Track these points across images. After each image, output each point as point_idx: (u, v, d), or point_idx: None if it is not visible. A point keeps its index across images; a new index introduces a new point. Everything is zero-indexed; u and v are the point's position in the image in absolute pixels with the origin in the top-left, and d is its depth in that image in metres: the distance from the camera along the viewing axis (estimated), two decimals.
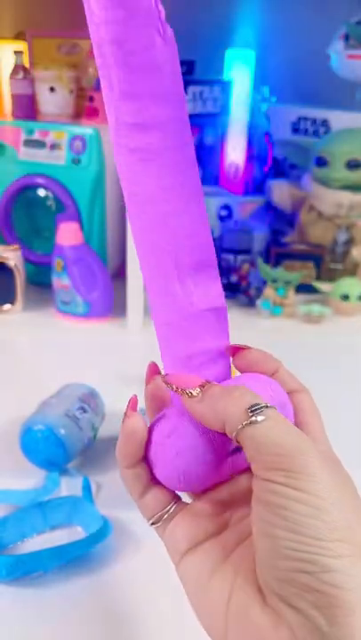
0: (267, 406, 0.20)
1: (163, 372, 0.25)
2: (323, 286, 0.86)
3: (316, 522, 0.18)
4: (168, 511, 0.24)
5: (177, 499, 0.25)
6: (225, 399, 0.21)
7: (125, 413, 0.24)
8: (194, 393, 0.22)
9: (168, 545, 0.24)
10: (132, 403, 0.24)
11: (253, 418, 0.20)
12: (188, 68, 0.95)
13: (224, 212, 0.95)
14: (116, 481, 0.47)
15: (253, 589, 0.20)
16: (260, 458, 0.19)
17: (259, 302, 0.83)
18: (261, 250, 0.94)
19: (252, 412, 0.20)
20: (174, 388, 0.23)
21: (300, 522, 0.18)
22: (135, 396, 0.24)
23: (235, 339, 0.25)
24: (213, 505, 0.24)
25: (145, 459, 0.24)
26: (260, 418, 0.20)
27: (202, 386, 0.22)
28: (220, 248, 0.89)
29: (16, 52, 0.82)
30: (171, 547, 0.24)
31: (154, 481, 0.24)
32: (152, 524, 0.25)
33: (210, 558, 0.23)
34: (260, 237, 0.94)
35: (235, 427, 0.20)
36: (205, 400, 0.22)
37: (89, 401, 0.51)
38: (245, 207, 0.98)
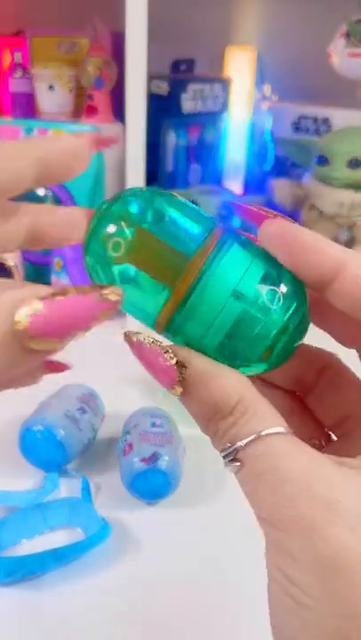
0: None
1: None
2: None
3: None
4: None
5: None
6: None
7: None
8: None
9: None
10: None
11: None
12: (188, 65, 0.95)
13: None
14: (115, 482, 0.47)
15: None
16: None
17: None
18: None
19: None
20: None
21: None
22: None
23: None
24: None
25: None
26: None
27: None
28: None
29: (15, 51, 0.82)
30: None
31: None
32: None
33: None
34: None
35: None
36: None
37: (88, 402, 0.51)
38: None
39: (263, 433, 0.17)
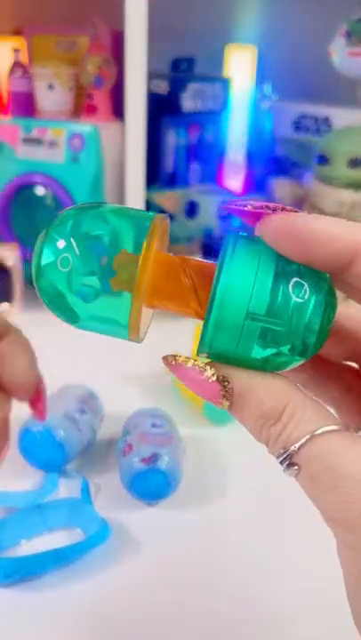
0: None
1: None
2: None
3: None
4: None
5: None
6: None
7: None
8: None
9: None
10: None
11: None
12: (188, 64, 0.95)
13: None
14: (115, 483, 0.47)
15: None
16: None
17: None
18: None
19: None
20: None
21: None
22: None
23: None
24: None
25: None
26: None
27: None
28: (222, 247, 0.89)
29: (14, 50, 0.81)
30: None
31: None
32: None
33: None
34: None
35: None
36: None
37: (88, 402, 0.51)
38: None
39: (315, 433, 0.17)
